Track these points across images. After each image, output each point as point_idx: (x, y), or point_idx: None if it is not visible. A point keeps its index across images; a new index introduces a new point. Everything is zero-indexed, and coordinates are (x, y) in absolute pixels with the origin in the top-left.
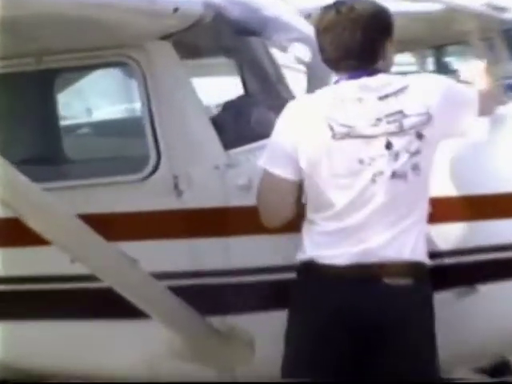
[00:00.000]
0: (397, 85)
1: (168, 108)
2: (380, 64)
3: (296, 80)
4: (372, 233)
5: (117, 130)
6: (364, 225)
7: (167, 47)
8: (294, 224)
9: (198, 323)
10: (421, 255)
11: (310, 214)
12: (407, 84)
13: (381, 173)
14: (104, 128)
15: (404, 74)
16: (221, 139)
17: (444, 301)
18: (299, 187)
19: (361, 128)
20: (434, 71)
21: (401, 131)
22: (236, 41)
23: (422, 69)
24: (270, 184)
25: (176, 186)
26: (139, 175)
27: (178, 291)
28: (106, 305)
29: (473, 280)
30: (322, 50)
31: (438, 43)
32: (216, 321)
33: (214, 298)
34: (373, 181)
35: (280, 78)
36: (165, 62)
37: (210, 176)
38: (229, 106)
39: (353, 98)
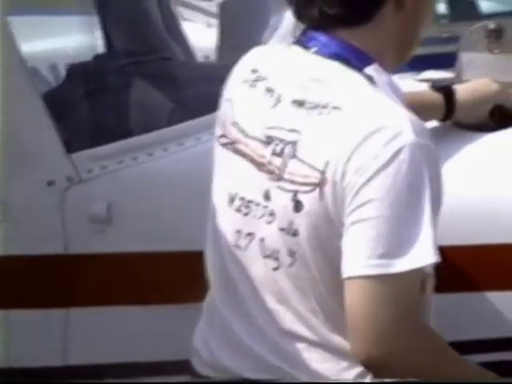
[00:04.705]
0: (332, 93)
1: None
2: (370, 27)
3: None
4: None
5: None
6: None
7: None
8: None
9: None
10: None
11: None
12: (342, 105)
13: None
14: None
15: None
16: (60, 134)
17: None
18: None
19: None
20: None
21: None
22: None
23: None
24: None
25: None
26: None
27: None
28: None
29: None
30: None
31: None
32: None
33: None
34: None
35: (172, 26)
36: None
37: (38, 199)
38: (77, 74)
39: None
